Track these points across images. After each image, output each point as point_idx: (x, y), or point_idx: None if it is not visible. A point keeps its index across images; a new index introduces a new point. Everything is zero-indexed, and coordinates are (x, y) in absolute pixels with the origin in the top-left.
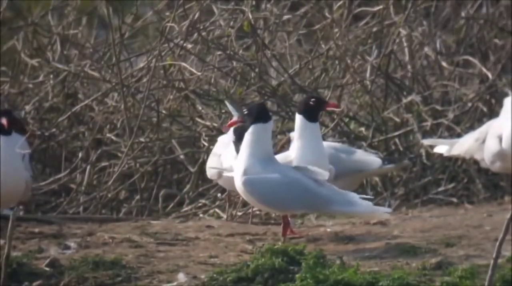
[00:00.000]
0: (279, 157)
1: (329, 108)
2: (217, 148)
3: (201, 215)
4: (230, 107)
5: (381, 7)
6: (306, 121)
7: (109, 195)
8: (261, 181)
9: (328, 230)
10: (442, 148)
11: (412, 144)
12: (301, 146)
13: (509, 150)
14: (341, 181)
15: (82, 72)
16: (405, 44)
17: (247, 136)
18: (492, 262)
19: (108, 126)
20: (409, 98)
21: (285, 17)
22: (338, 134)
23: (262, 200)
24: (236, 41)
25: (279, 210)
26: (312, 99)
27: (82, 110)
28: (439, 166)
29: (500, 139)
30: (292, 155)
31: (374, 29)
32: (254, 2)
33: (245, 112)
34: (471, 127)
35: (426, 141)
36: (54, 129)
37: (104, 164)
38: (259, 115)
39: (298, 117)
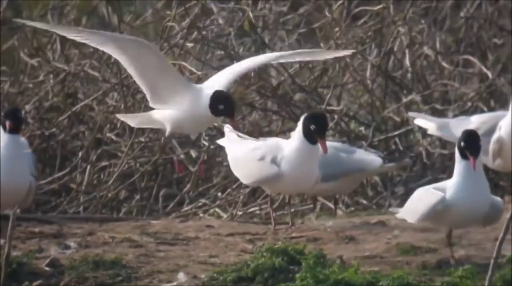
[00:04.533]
0: None
1: None
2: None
3: (201, 215)
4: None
5: (380, 6)
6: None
7: (109, 195)
8: None
9: (328, 229)
10: (426, 123)
11: (412, 143)
12: None
13: (508, 138)
14: (342, 180)
15: (82, 72)
16: (404, 43)
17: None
18: (492, 261)
19: (108, 125)
20: (409, 97)
21: (285, 17)
22: (338, 134)
23: None
24: (236, 40)
25: None
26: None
27: (82, 110)
28: (440, 165)
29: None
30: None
31: (374, 28)
32: (251, 1)
33: None
34: None
35: (412, 114)
36: (54, 129)
37: (104, 163)
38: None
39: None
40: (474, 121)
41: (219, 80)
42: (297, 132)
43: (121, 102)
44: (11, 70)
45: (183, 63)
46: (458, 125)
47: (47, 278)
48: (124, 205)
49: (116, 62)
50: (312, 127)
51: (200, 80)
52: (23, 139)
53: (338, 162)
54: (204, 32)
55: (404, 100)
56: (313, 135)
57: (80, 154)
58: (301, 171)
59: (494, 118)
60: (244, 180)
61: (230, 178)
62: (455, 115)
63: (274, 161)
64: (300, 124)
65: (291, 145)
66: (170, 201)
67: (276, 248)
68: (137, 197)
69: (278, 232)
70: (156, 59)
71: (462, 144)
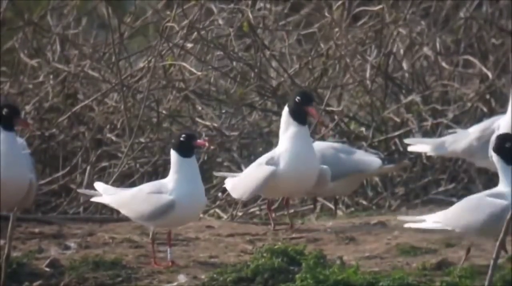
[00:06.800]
0: None
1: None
2: None
3: (201, 215)
4: None
5: (380, 6)
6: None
7: None
8: None
9: (328, 230)
10: (422, 147)
11: None
12: None
13: None
14: (342, 181)
15: (82, 72)
16: (404, 44)
17: None
18: (492, 261)
19: (108, 126)
20: (409, 98)
21: (286, 19)
22: (338, 134)
23: None
24: (236, 40)
25: None
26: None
27: (82, 111)
28: (440, 166)
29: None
30: None
31: (374, 29)
32: (251, 2)
33: None
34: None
35: (407, 141)
36: (54, 130)
37: (104, 164)
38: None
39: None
40: (474, 131)
41: None
42: (284, 122)
43: (121, 102)
44: (11, 71)
45: (183, 63)
46: (456, 140)
47: (47, 278)
48: None
49: (116, 62)
50: (297, 99)
51: (200, 80)
52: (21, 140)
53: (337, 163)
54: (202, 32)
55: (404, 101)
56: (301, 108)
57: (80, 155)
58: (300, 157)
59: (493, 123)
60: (246, 194)
61: None
62: (455, 116)
63: (269, 163)
64: (284, 116)
65: (283, 141)
66: None
67: (276, 249)
68: None
69: (278, 233)
70: None
71: (507, 144)
